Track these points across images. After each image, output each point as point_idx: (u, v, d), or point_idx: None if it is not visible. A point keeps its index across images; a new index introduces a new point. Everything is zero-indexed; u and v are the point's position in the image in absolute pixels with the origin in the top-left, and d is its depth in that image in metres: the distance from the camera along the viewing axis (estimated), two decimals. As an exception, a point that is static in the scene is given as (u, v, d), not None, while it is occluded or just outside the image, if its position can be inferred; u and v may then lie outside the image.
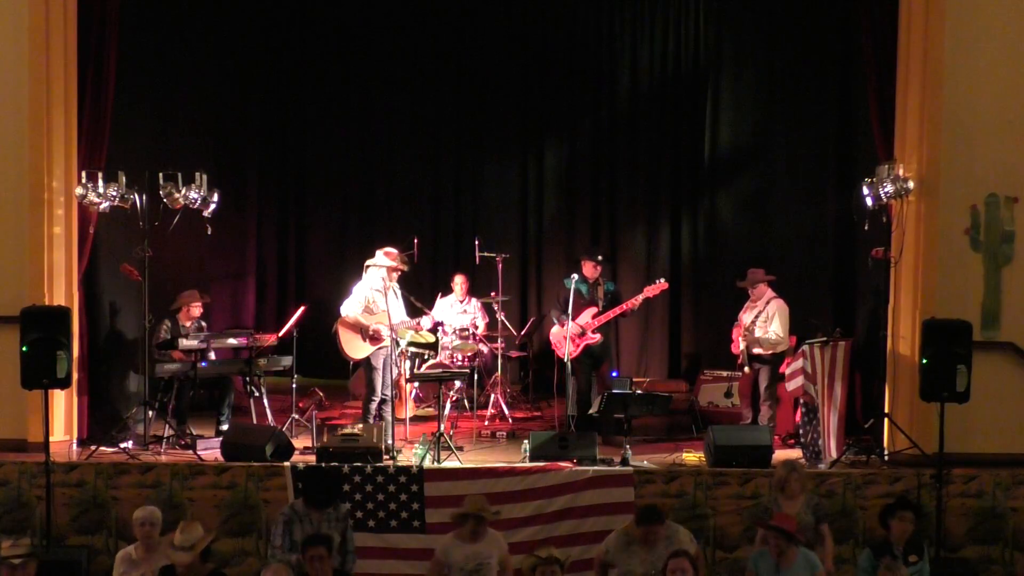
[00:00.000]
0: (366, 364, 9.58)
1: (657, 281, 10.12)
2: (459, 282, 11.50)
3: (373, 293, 9.50)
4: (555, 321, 10.11)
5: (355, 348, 9.55)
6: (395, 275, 9.57)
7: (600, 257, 10.14)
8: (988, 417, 8.81)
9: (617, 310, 9.90)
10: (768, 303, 9.75)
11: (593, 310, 9.92)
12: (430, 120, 12.91)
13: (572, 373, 9.84)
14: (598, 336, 9.92)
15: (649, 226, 12.71)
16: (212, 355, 9.79)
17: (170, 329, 9.91)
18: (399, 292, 9.66)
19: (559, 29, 12.75)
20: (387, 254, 9.59)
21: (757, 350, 9.69)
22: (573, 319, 9.83)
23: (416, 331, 10.17)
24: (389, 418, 9.42)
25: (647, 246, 12.66)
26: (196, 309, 10.13)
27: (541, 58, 12.76)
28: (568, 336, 9.70)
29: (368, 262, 9.62)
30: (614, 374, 10.03)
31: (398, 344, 9.67)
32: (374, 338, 9.48)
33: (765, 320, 9.69)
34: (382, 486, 8.37)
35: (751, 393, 9.86)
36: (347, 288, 10.08)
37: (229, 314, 12.23)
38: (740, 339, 9.74)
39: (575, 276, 10.00)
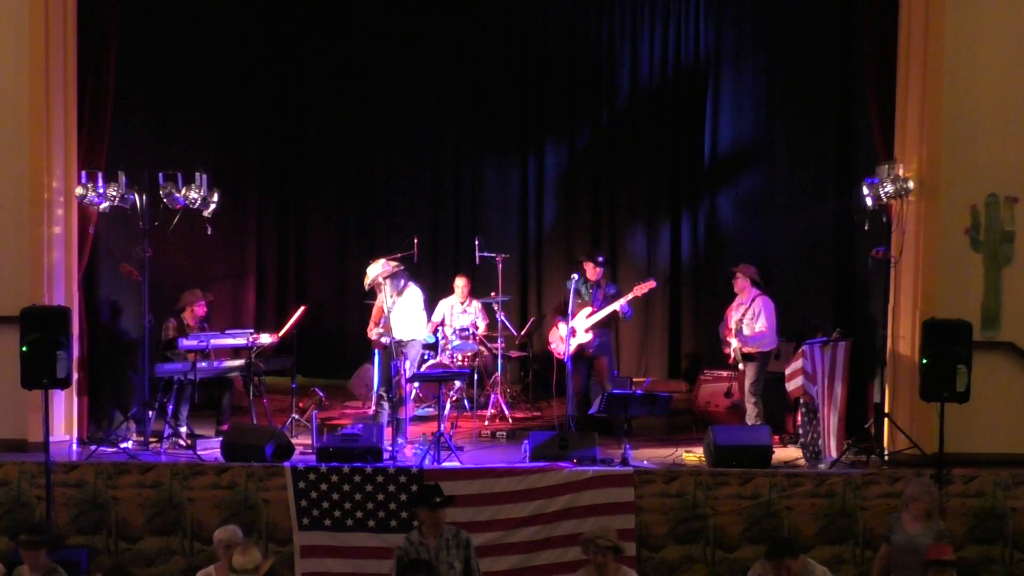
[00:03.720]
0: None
1: (646, 280, 10.15)
2: (460, 285, 11.49)
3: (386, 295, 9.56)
4: (556, 323, 10.16)
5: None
6: (387, 279, 9.50)
7: (601, 259, 10.19)
8: (988, 417, 8.80)
9: (607, 311, 9.94)
10: (754, 300, 9.78)
11: (588, 310, 9.98)
12: (430, 120, 12.91)
13: (571, 373, 9.89)
14: (590, 336, 9.95)
15: (649, 226, 12.72)
16: (212, 355, 9.79)
17: (177, 328, 9.93)
18: (409, 294, 9.60)
19: (559, 29, 12.76)
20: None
21: (746, 348, 9.71)
22: (568, 320, 9.91)
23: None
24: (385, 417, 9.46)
25: (647, 246, 12.67)
26: (200, 308, 10.15)
27: (541, 58, 12.77)
28: (564, 336, 9.84)
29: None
30: (614, 373, 10.03)
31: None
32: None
33: (752, 317, 9.72)
34: (382, 486, 8.37)
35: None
36: (347, 288, 10.09)
37: (229, 314, 12.22)
38: (731, 337, 9.76)
39: (576, 276, 10.04)
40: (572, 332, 9.91)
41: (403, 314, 9.48)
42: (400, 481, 8.38)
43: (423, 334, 9.79)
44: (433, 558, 6.79)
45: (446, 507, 6.99)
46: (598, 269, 10.13)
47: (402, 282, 9.53)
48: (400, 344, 9.39)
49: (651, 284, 10.13)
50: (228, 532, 6.92)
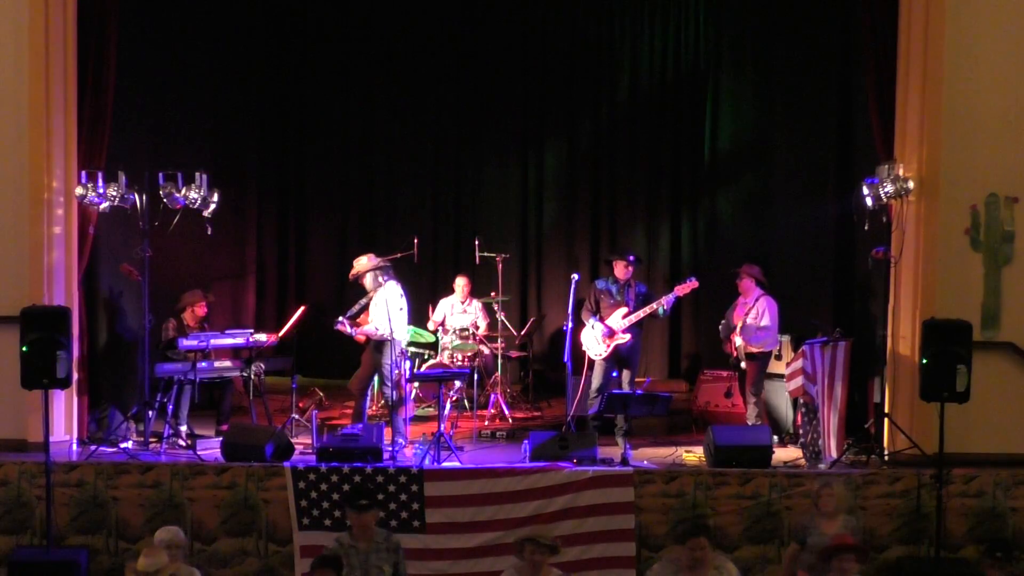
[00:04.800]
0: None
1: (687, 280, 10.08)
2: (461, 284, 11.50)
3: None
4: (584, 323, 10.01)
5: None
6: (374, 274, 9.51)
7: (631, 257, 10.14)
8: (988, 417, 8.80)
9: (647, 310, 9.90)
10: (758, 300, 9.80)
11: (623, 310, 9.92)
12: (430, 120, 12.91)
13: (585, 372, 9.91)
14: (628, 337, 9.91)
15: (649, 226, 12.72)
16: (212, 355, 9.79)
17: (177, 328, 9.93)
18: (383, 292, 9.51)
19: (559, 29, 12.75)
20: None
21: (750, 347, 9.72)
22: (603, 320, 9.88)
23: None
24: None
25: (647, 246, 12.66)
26: (200, 309, 10.15)
27: (541, 58, 12.77)
28: (600, 337, 9.85)
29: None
30: (614, 374, 10.01)
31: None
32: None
33: (755, 317, 9.73)
34: (382, 486, 8.37)
35: (752, 391, 9.88)
36: (347, 289, 10.07)
37: (229, 314, 12.22)
38: (735, 337, 9.75)
39: (576, 276, 10.02)
40: (611, 332, 9.88)
41: (373, 311, 9.47)
42: (400, 481, 8.38)
43: (398, 335, 9.49)
44: (362, 561, 6.76)
45: (372, 510, 6.96)
46: (629, 268, 10.06)
47: (383, 278, 9.46)
48: (370, 341, 9.41)
49: (693, 284, 9.97)
50: (169, 533, 6.89)
